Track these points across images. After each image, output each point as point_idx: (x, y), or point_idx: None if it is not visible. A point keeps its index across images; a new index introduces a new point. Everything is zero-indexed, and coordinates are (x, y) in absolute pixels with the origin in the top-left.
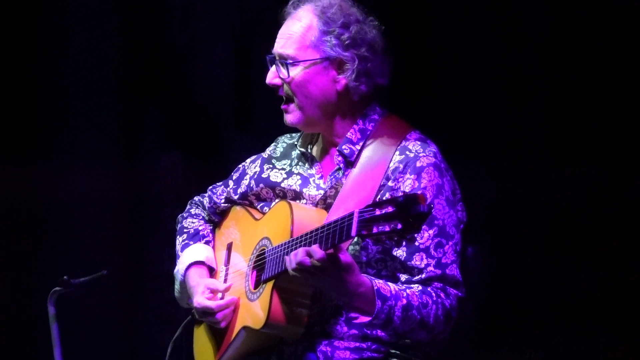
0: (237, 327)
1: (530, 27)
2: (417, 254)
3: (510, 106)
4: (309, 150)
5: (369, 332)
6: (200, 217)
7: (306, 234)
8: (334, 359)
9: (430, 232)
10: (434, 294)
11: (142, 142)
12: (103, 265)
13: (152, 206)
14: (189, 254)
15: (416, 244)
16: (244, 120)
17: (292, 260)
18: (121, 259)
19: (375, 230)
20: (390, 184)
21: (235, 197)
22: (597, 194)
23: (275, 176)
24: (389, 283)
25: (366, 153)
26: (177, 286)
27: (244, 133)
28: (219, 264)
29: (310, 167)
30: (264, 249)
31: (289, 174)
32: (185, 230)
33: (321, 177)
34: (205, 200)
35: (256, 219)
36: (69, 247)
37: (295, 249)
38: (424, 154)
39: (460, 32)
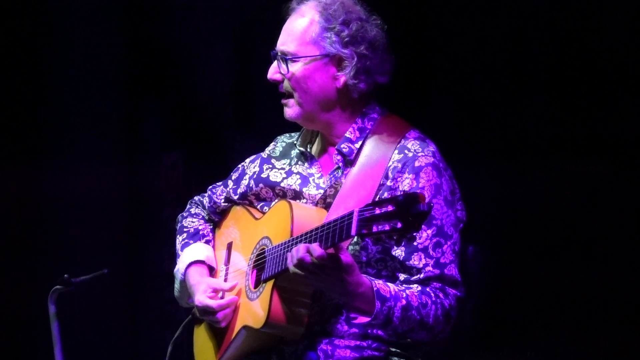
0: (238, 326)
1: (531, 27)
2: (415, 253)
3: (511, 106)
4: (308, 150)
5: (369, 330)
6: (200, 217)
7: (306, 233)
8: (334, 358)
9: (429, 232)
10: (433, 294)
11: (142, 142)
12: (103, 264)
13: (152, 205)
14: (189, 253)
15: (415, 243)
16: (244, 120)
17: (294, 256)
18: (121, 258)
19: (375, 229)
20: (389, 183)
21: (235, 197)
22: (597, 193)
23: (275, 176)
24: (389, 284)
25: (365, 152)
26: (176, 285)
27: (244, 133)
28: (219, 264)
29: (310, 167)
30: (264, 248)
31: (289, 173)
32: (185, 229)
33: (321, 177)
34: (205, 200)
35: (256, 219)
36: (70, 246)
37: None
38: (423, 154)
39: (461, 32)
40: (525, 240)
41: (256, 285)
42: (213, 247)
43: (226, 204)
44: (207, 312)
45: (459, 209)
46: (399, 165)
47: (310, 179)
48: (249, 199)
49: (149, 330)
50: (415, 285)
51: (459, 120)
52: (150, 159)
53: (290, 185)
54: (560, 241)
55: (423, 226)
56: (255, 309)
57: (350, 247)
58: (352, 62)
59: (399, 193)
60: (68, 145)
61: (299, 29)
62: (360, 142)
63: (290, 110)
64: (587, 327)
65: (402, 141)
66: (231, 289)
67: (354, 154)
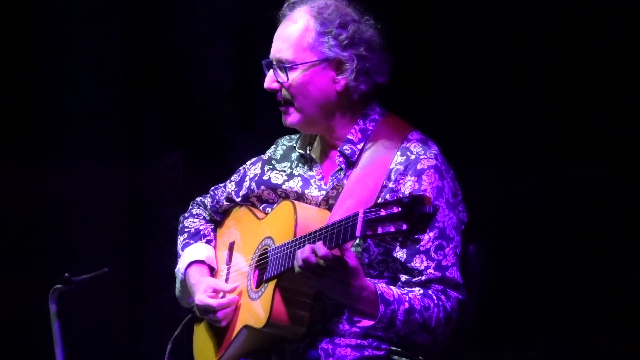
0: (238, 326)
1: (531, 27)
2: (417, 256)
3: (511, 106)
4: (308, 152)
5: (363, 327)
6: (202, 217)
7: (310, 234)
8: (335, 357)
9: (431, 234)
10: (435, 297)
11: (143, 141)
12: (104, 264)
13: (152, 205)
14: (189, 253)
15: (417, 246)
16: (244, 120)
17: (298, 257)
18: (122, 258)
19: (380, 230)
20: (391, 185)
21: (238, 200)
22: (597, 193)
23: (276, 178)
24: (392, 287)
25: (367, 153)
26: (177, 285)
27: (245, 132)
28: (221, 263)
29: (310, 169)
30: (267, 248)
31: (290, 176)
32: (186, 229)
33: (322, 179)
34: (207, 200)
35: (259, 219)
36: (70, 246)
37: (299, 248)
38: (425, 156)
39: (461, 32)
40: (525, 240)
41: (258, 285)
42: (214, 247)
43: (228, 203)
44: (208, 311)
45: (461, 210)
46: (401, 167)
47: (312, 180)
48: (251, 201)
49: (149, 329)
50: (418, 289)
51: (459, 120)
52: (151, 159)
53: (292, 188)
54: (560, 241)
55: None
56: (256, 309)
57: (352, 249)
58: (352, 65)
59: (401, 195)
60: (68, 145)
61: (295, 36)
62: (362, 144)
63: (291, 117)
64: (587, 327)
65: (405, 143)
66: (232, 291)
67: (356, 156)
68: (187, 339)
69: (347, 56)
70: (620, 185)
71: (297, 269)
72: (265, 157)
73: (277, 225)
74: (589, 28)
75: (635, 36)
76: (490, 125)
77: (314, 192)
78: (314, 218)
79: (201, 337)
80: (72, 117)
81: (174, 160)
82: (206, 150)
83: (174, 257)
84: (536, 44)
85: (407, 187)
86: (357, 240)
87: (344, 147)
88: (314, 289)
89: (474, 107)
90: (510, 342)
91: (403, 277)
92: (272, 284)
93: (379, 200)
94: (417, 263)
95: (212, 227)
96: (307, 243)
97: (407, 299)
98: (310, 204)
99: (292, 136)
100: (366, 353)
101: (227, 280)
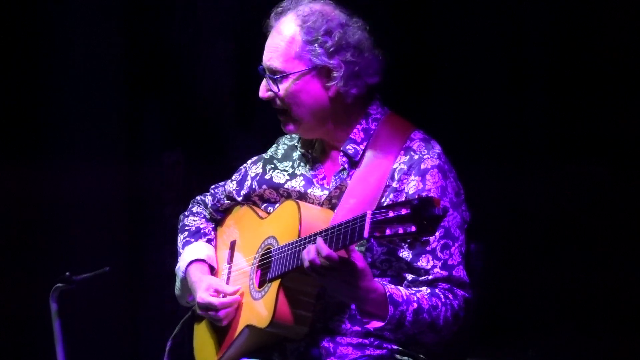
0: (241, 325)
1: (532, 27)
2: (423, 255)
3: (511, 106)
4: (310, 152)
5: (372, 329)
6: (202, 216)
7: (316, 234)
8: (336, 355)
9: (436, 234)
10: (442, 296)
11: (143, 140)
12: (105, 263)
13: (153, 204)
14: (190, 252)
15: (423, 245)
16: (245, 119)
17: (305, 258)
18: (123, 257)
19: (388, 232)
20: (394, 185)
21: (239, 199)
22: (597, 193)
23: (278, 177)
24: (400, 288)
25: (370, 153)
26: (177, 283)
27: (245, 131)
28: (221, 262)
29: (312, 168)
30: (270, 248)
31: (292, 175)
32: (186, 227)
33: (324, 178)
34: (208, 199)
35: (261, 218)
36: (71, 244)
37: (304, 248)
38: (428, 156)
39: (461, 32)
40: (525, 240)
41: (261, 285)
42: (215, 246)
43: (229, 202)
44: (209, 309)
45: (464, 209)
46: (405, 167)
47: (314, 180)
48: (252, 200)
49: (150, 328)
50: (425, 288)
51: (459, 120)
52: (151, 159)
53: (295, 187)
54: (560, 241)
55: None
56: (259, 309)
57: (356, 248)
58: (340, 71)
59: (405, 194)
60: (69, 145)
61: (282, 46)
62: (365, 144)
63: (288, 126)
64: (587, 327)
65: (408, 142)
66: (234, 293)
67: (359, 155)
68: (188, 338)
69: (335, 63)
70: (620, 185)
71: (306, 264)
72: (266, 156)
73: (280, 225)
74: (589, 28)
75: (635, 36)
76: (490, 125)
77: (316, 191)
78: (318, 218)
79: (202, 336)
80: (73, 117)
81: (175, 159)
82: (207, 149)
83: (174, 256)
84: (536, 44)
85: (411, 186)
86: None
87: (347, 147)
88: (317, 289)
89: (474, 107)
90: (510, 342)
91: (409, 277)
92: (275, 283)
93: (383, 200)
94: (424, 263)
95: (213, 225)
96: (313, 243)
97: (415, 299)
98: (312, 203)
99: (293, 135)
100: (367, 352)
101: (228, 279)
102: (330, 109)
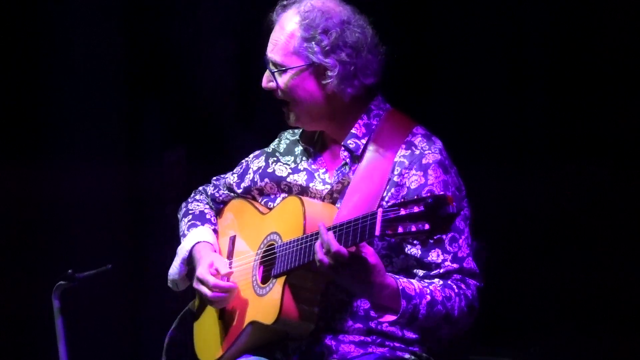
0: (245, 322)
1: (532, 26)
2: (433, 250)
3: (511, 105)
4: (312, 146)
5: (373, 326)
6: (205, 203)
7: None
8: (338, 353)
9: None
10: (455, 287)
11: (145, 138)
12: (107, 261)
13: (155, 203)
14: (197, 233)
15: (431, 240)
16: (246, 117)
17: (317, 251)
18: (125, 255)
19: (400, 230)
20: (395, 179)
21: (239, 192)
22: (597, 193)
23: (280, 170)
24: (413, 281)
25: (372, 148)
26: (175, 262)
27: (247, 129)
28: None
29: (314, 162)
30: (273, 244)
31: (295, 170)
32: (190, 212)
33: (325, 172)
34: (209, 189)
35: (262, 213)
36: (73, 243)
37: (311, 244)
38: (430, 151)
39: (461, 32)
40: (525, 240)
41: (264, 281)
42: (217, 237)
43: (229, 193)
44: (203, 284)
45: (465, 205)
46: (406, 161)
47: (316, 174)
48: (252, 194)
49: (151, 326)
50: (437, 279)
51: (459, 120)
52: (153, 156)
53: (297, 181)
54: (560, 241)
55: None
56: (264, 305)
57: None
58: (334, 70)
59: (405, 190)
60: (70, 144)
61: (282, 40)
62: (366, 138)
63: (289, 117)
64: (587, 327)
65: (410, 137)
66: (229, 275)
67: (360, 150)
68: (188, 333)
69: (330, 62)
70: (620, 185)
71: (317, 263)
72: (269, 149)
73: (283, 221)
74: (589, 28)
75: (635, 36)
76: (490, 125)
77: (318, 185)
78: (321, 213)
79: (203, 332)
80: (74, 116)
81: (177, 157)
82: (209, 147)
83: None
84: (536, 44)
85: (413, 181)
86: None
87: (348, 142)
88: (322, 285)
89: (474, 107)
90: (510, 342)
91: (420, 272)
92: (281, 280)
93: (385, 194)
94: (434, 257)
95: (215, 215)
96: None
97: (429, 291)
98: (314, 197)
99: (296, 130)
100: (370, 349)
101: None
102: (326, 107)
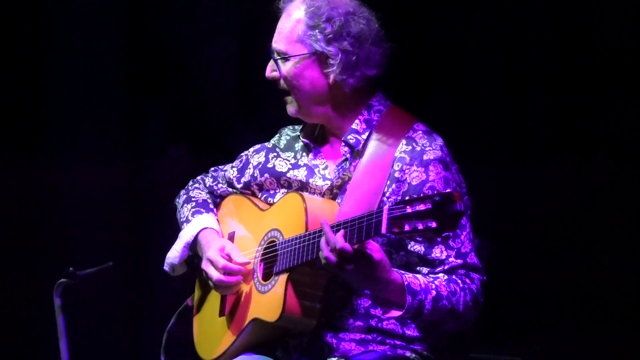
0: (247, 319)
1: (532, 25)
2: (436, 246)
3: (511, 104)
4: (312, 142)
5: (374, 324)
6: (205, 193)
7: (331, 227)
8: (339, 351)
9: None
10: (460, 281)
11: (146, 136)
12: (108, 258)
13: (156, 200)
14: (204, 220)
15: (438, 238)
16: (248, 114)
17: (323, 249)
18: (126, 252)
19: (407, 228)
20: (396, 174)
21: (239, 186)
22: (598, 193)
23: (281, 166)
24: (418, 276)
25: (373, 143)
26: (177, 246)
27: (248, 126)
28: None
29: (314, 158)
30: (274, 241)
31: (295, 165)
32: (193, 199)
33: (325, 167)
34: (208, 180)
35: (262, 209)
36: (75, 240)
37: (314, 241)
38: (430, 148)
39: (461, 31)
40: (525, 239)
41: (266, 278)
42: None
43: (227, 187)
44: (213, 264)
45: (466, 202)
46: (407, 157)
47: (316, 170)
48: (251, 189)
49: (153, 323)
50: (442, 275)
51: (459, 119)
52: (155, 152)
53: (297, 176)
54: (560, 241)
55: None
56: (267, 302)
57: None
58: (336, 59)
59: (407, 186)
60: (72, 142)
61: (287, 28)
62: (367, 134)
63: (290, 107)
64: (587, 327)
65: (410, 132)
66: (243, 265)
67: (360, 145)
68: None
69: (332, 51)
70: (621, 185)
71: (322, 260)
72: (269, 145)
73: (284, 217)
74: (590, 25)
75: (635, 36)
76: (490, 124)
77: (318, 181)
78: (322, 209)
79: (204, 329)
80: (75, 115)
81: (179, 153)
82: (211, 143)
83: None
84: (536, 42)
85: (414, 177)
86: None
87: (349, 137)
88: (325, 281)
89: (474, 106)
90: (510, 341)
91: (425, 270)
92: (283, 277)
93: (386, 189)
94: (437, 253)
95: (215, 207)
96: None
97: (434, 286)
98: (314, 193)
99: (296, 126)
100: (371, 347)
101: None
102: (328, 96)
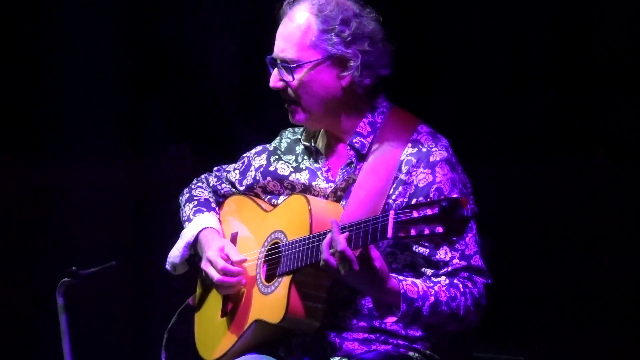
0: (249, 320)
1: (532, 23)
2: (441, 248)
3: (512, 104)
4: (313, 144)
5: (377, 324)
6: (208, 192)
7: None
8: (342, 350)
9: None
10: (461, 286)
11: (149, 134)
12: (111, 257)
13: (159, 198)
14: (205, 219)
15: (444, 243)
16: (250, 112)
17: (323, 250)
18: (129, 251)
19: (413, 232)
20: (403, 177)
21: (241, 189)
22: (598, 193)
23: (282, 169)
24: (417, 282)
25: (377, 146)
26: (178, 245)
27: (251, 124)
28: None
29: (316, 161)
30: (278, 242)
31: (297, 169)
32: (195, 198)
33: (328, 170)
34: (212, 180)
35: (265, 210)
36: (77, 239)
37: (320, 244)
38: (436, 149)
39: (461, 31)
40: (525, 239)
41: (269, 279)
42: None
43: (231, 188)
44: (212, 265)
45: (471, 202)
46: (413, 159)
47: (318, 172)
48: (255, 192)
49: (155, 322)
50: (444, 278)
51: (459, 119)
52: (158, 151)
53: (299, 180)
54: (560, 241)
55: None
56: (270, 304)
57: None
58: (357, 61)
59: (413, 188)
60: (75, 141)
61: (297, 34)
62: (371, 137)
63: (297, 115)
64: (587, 327)
65: (415, 135)
66: (239, 263)
67: (366, 149)
68: (187, 329)
69: (351, 53)
70: (621, 185)
71: (322, 262)
72: (270, 147)
73: (288, 219)
74: (591, 23)
75: (635, 36)
76: (490, 124)
77: (321, 184)
78: (327, 211)
79: (206, 329)
80: (78, 113)
81: (182, 152)
82: (213, 141)
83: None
84: (537, 41)
85: (421, 179)
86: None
87: (354, 140)
88: (328, 283)
89: (474, 106)
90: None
91: (428, 271)
92: (287, 278)
93: (391, 192)
94: (442, 255)
95: (217, 206)
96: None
97: (433, 292)
98: (317, 195)
99: (296, 129)
100: (374, 347)
101: None
102: (341, 100)
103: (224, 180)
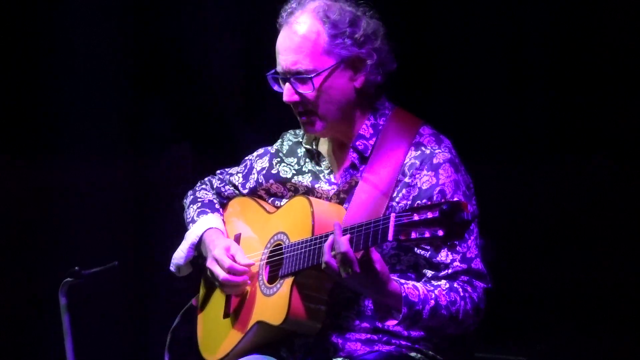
0: (252, 321)
1: (532, 23)
2: (442, 250)
3: (512, 104)
4: (314, 147)
5: (380, 325)
6: (212, 193)
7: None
8: (345, 351)
9: None
10: (461, 290)
11: (150, 134)
12: (113, 257)
13: (161, 198)
14: (209, 220)
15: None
16: (252, 112)
17: (324, 252)
18: (131, 251)
19: (414, 235)
20: (406, 180)
21: (244, 192)
22: (598, 193)
23: (285, 171)
24: (418, 285)
25: (380, 149)
26: (183, 246)
27: (252, 124)
28: None
29: (318, 164)
30: (280, 244)
31: (299, 171)
32: (199, 199)
33: (330, 172)
34: (215, 182)
35: (268, 212)
36: (80, 239)
37: (322, 246)
38: (440, 150)
39: (462, 31)
40: (525, 239)
41: (271, 281)
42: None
43: (234, 190)
44: (218, 264)
45: (474, 203)
46: (417, 162)
47: (321, 175)
48: (258, 194)
49: (158, 322)
50: (444, 282)
51: (459, 119)
52: (159, 151)
53: (302, 182)
54: (560, 241)
55: None
56: (272, 305)
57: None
58: (372, 60)
59: (417, 190)
60: (76, 141)
61: (308, 44)
62: (374, 139)
63: (315, 126)
64: (587, 327)
65: (417, 137)
66: (247, 266)
67: (369, 151)
68: (191, 329)
69: (365, 52)
70: (621, 185)
71: (323, 265)
72: (272, 149)
73: (290, 221)
74: (589, 28)
75: (635, 36)
76: (490, 124)
77: (324, 186)
78: (329, 213)
79: (208, 330)
80: (79, 113)
81: (183, 152)
82: (215, 142)
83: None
84: (537, 41)
85: (424, 182)
86: None
87: (357, 143)
88: (330, 285)
89: (474, 106)
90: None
91: (429, 273)
92: (289, 280)
93: (394, 195)
94: (443, 257)
95: (221, 207)
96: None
97: (433, 296)
98: (320, 198)
99: (297, 131)
100: (376, 347)
101: None
102: (355, 101)
103: (227, 182)
